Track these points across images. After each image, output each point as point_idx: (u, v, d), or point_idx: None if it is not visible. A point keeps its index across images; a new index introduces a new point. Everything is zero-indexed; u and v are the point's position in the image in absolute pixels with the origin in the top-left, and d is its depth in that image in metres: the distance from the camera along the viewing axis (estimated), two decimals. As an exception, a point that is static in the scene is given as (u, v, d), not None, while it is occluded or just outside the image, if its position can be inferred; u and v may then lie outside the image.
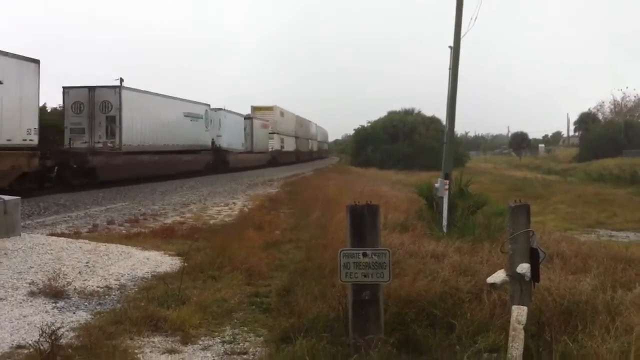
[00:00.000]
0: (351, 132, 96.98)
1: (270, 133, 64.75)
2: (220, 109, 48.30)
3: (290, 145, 76.04)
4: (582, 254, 10.49)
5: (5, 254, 10.07)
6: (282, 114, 71.22)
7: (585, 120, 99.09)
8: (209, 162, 44.51)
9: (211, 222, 16.79)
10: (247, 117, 57.16)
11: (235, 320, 7.25)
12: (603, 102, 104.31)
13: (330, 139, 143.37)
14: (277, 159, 64.83)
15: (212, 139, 46.07)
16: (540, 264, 5.83)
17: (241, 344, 6.40)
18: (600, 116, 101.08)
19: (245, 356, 6.05)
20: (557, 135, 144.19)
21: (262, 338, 6.56)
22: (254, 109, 65.07)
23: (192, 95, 54.82)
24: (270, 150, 64.17)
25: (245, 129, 55.19)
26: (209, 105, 45.34)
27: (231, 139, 50.20)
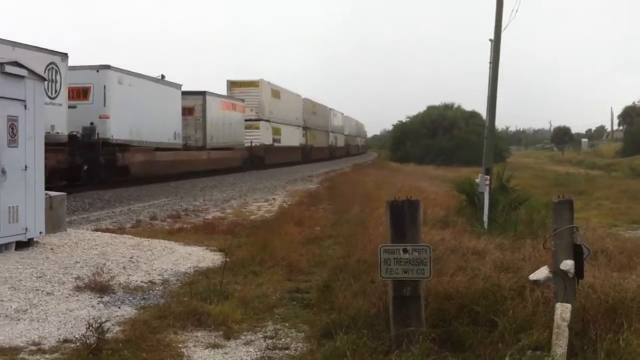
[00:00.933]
0: (390, 127, 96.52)
1: (250, 120, 44.55)
2: (106, 67, 25.96)
3: (293, 139, 56.00)
4: (627, 250, 10.32)
5: (51, 249, 10.30)
6: (275, 93, 50.32)
7: (630, 114, 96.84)
8: (65, 167, 22.73)
9: (251, 217, 16.93)
10: (195, 93, 35.43)
11: (277, 316, 7.31)
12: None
13: (369, 134, 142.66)
14: (262, 158, 45.98)
15: (91, 123, 24.73)
16: (585, 261, 5.75)
17: (283, 340, 6.46)
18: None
19: (287, 351, 6.10)
20: (601, 129, 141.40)
21: (303, 334, 6.60)
22: (231, 84, 45.61)
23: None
24: (250, 145, 43.84)
25: (192, 110, 34.85)
26: (65, 54, 22.38)
27: (142, 124, 28.07)
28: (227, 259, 9.44)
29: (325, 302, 7.43)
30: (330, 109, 75.93)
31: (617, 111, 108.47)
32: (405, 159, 65.04)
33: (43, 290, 7.95)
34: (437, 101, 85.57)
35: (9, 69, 9.81)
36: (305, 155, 59.63)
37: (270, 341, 6.41)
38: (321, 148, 69.33)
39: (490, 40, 15.08)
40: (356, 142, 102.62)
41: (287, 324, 6.99)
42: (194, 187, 27.67)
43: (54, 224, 11.47)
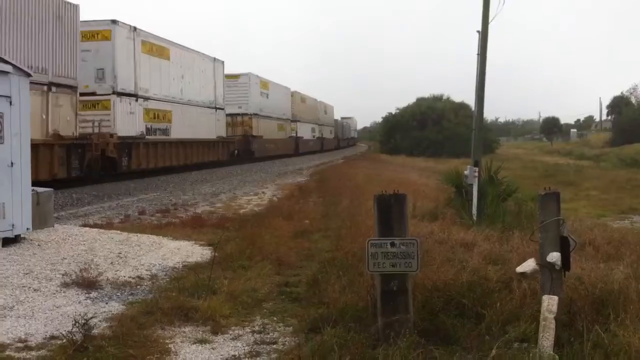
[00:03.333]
0: (380, 119, 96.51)
1: None
2: None
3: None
4: (614, 241, 10.35)
5: (38, 245, 10.24)
6: None
7: (618, 104, 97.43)
8: None
9: (241, 211, 16.88)
10: None
11: (265, 310, 7.29)
12: (636, 85, 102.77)
13: (359, 126, 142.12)
14: None
15: None
16: (571, 253, 5.77)
17: (271, 334, 6.44)
18: (633, 99, 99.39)
19: (274, 346, 6.08)
20: (589, 119, 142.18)
21: (291, 328, 6.59)
22: None
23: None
24: None
25: None
26: None
27: None
28: (216, 254, 9.42)
29: (314, 296, 7.42)
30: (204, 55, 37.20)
31: (606, 101, 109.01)
32: (395, 151, 65.23)
33: (30, 287, 7.91)
34: (426, 93, 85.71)
35: (-7, 64, 9.73)
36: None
37: (258, 336, 6.39)
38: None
39: (478, 31, 15.06)
40: (305, 133, 64.82)
41: (275, 319, 6.97)
42: (184, 181, 27.60)
43: (41, 220, 11.40)
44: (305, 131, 63.92)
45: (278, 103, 54.24)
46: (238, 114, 45.47)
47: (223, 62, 40.70)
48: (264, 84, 50.51)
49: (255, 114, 47.68)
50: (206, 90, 37.74)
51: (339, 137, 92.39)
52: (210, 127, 38.25)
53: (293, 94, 58.94)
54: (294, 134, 59.86)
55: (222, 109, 40.55)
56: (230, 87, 43.03)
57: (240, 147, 44.94)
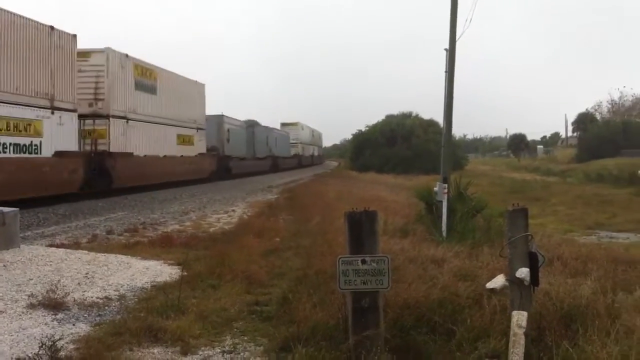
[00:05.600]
0: (349, 136, 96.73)
1: None
2: None
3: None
4: (582, 256, 10.49)
5: (4, 266, 10.05)
6: None
7: (584, 121, 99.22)
8: None
9: (211, 230, 16.76)
10: None
11: (236, 330, 7.22)
12: (601, 102, 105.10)
13: (329, 143, 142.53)
14: None
15: None
16: (540, 268, 5.83)
17: (241, 354, 6.38)
18: (598, 116, 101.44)
19: (245, 366, 6.02)
20: (556, 136, 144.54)
21: (262, 347, 6.53)
22: None
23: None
24: None
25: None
26: None
27: None
28: (185, 273, 9.33)
29: (285, 314, 7.37)
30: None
31: (571, 118, 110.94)
32: (364, 168, 65.40)
33: (-5, 309, 7.74)
34: (395, 110, 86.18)
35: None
36: None
37: (228, 356, 6.32)
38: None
39: (446, 49, 15.24)
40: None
41: (245, 338, 6.91)
42: (153, 199, 27.34)
43: (6, 240, 11.20)
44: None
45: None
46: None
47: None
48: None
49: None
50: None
51: (229, 155, 48.16)
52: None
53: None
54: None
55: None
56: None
57: None
